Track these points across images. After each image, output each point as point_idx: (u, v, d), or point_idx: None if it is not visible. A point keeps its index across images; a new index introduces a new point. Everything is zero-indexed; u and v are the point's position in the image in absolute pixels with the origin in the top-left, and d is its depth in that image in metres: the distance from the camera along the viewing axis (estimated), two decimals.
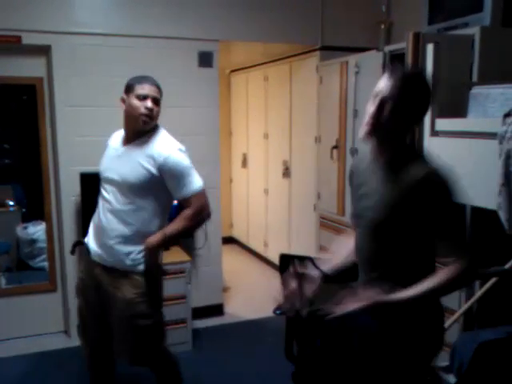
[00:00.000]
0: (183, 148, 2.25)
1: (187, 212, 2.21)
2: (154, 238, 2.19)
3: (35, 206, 4.06)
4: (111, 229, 2.21)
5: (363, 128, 1.60)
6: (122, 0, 3.58)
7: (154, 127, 2.26)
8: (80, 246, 2.38)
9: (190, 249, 3.86)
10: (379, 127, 1.56)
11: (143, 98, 2.18)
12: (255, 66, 5.42)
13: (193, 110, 3.83)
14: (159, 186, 2.19)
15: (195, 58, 3.79)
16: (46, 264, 3.92)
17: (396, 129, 1.57)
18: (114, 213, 2.21)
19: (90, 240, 2.31)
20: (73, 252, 2.41)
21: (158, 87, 2.26)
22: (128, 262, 2.20)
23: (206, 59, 3.82)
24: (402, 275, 1.59)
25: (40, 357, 3.34)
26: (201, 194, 2.24)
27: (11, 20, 3.30)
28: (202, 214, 2.24)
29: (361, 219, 1.70)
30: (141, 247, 2.20)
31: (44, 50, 3.48)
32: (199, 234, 3.92)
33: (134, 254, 2.20)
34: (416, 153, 1.64)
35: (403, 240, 1.57)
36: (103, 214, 2.24)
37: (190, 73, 3.78)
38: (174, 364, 2.45)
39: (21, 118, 4.09)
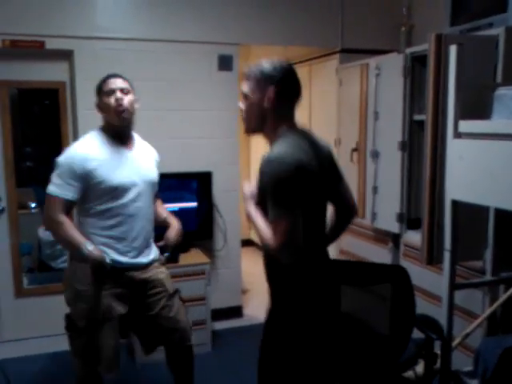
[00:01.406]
0: None
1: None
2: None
3: None
4: (149, 230, 2.41)
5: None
6: (142, 5, 3.62)
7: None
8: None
9: (209, 250, 3.88)
10: (249, 122, 1.77)
11: (111, 92, 2.21)
12: None
13: (212, 113, 3.85)
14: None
15: (215, 61, 3.81)
16: (66, 265, 3.97)
17: (258, 120, 1.74)
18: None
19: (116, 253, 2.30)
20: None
21: (124, 78, 2.30)
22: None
23: (225, 63, 3.83)
24: None
25: (59, 356, 3.37)
26: None
27: (35, 26, 3.37)
28: None
29: None
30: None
31: (67, 55, 3.53)
32: (219, 236, 3.94)
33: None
34: (279, 140, 1.71)
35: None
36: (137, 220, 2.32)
37: (209, 76, 3.80)
38: None
39: (42, 122, 4.16)
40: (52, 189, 2.19)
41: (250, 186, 1.75)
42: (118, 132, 2.27)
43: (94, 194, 2.19)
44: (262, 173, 1.63)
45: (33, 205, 4.16)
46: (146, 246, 2.38)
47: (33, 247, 4.12)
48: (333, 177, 1.90)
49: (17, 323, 3.65)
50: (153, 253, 2.44)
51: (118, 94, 2.20)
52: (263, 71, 1.74)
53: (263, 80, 1.72)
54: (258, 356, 1.83)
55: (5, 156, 3.52)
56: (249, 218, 1.72)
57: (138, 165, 2.31)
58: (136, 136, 2.42)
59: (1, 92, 3.45)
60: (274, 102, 1.73)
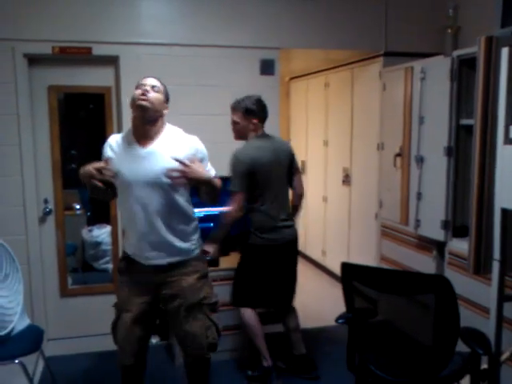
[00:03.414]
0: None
1: (219, 181, 2.49)
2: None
3: (99, 210, 4.21)
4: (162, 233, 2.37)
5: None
6: (186, 11, 3.66)
7: (159, 122, 2.30)
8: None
9: None
10: (238, 135, 3.12)
11: (141, 86, 2.26)
12: (315, 72, 5.39)
13: None
14: None
15: (257, 66, 3.82)
16: (109, 266, 4.06)
17: (244, 134, 3.08)
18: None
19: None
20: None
21: (160, 81, 2.33)
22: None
23: (267, 67, 3.84)
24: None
25: (102, 356, 3.44)
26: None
27: (83, 32, 3.47)
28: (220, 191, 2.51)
29: None
30: None
31: (112, 61, 3.62)
32: None
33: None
34: (246, 144, 3.07)
35: None
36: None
37: (251, 81, 3.80)
38: None
39: (87, 125, 4.27)
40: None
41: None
42: (137, 129, 2.29)
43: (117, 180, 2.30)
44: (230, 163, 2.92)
45: (77, 206, 4.27)
46: (159, 249, 2.31)
47: (77, 248, 4.23)
48: (290, 167, 3.16)
49: (61, 322, 3.75)
50: (175, 256, 2.34)
51: (147, 87, 2.25)
52: (247, 108, 2.98)
53: (247, 114, 2.99)
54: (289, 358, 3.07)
55: (52, 159, 3.63)
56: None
57: (146, 164, 2.25)
58: (170, 132, 2.34)
59: (50, 96, 3.57)
60: (255, 126, 3.02)
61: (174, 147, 2.27)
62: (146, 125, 2.26)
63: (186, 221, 2.36)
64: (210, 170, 2.38)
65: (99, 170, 2.22)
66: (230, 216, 2.94)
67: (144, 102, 2.21)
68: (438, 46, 3.81)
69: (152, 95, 2.24)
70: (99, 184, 2.23)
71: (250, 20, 3.77)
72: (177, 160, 2.17)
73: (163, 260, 2.33)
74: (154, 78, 2.33)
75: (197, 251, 2.43)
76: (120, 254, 3.75)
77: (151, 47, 3.61)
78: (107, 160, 2.29)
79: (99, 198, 2.47)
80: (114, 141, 2.36)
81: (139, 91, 2.24)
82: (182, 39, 3.67)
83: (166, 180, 2.22)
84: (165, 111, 2.33)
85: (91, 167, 2.22)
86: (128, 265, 2.40)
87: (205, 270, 2.45)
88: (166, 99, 2.35)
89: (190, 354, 2.44)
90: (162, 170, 2.21)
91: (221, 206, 2.93)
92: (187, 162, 2.18)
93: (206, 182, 2.28)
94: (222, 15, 3.72)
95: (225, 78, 3.76)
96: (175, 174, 2.17)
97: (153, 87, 2.26)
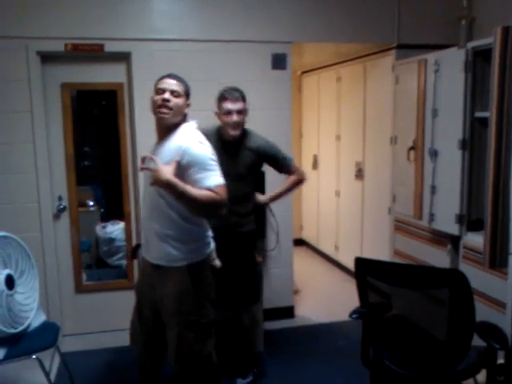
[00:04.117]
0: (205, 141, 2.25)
1: (208, 193, 2.11)
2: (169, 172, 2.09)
3: (113, 207, 4.24)
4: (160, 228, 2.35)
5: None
6: (196, 6, 3.66)
7: (180, 121, 2.27)
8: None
9: (261, 250, 3.87)
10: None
11: (162, 91, 2.24)
12: (327, 66, 5.35)
13: (266, 111, 3.83)
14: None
15: (269, 60, 3.80)
16: (122, 262, 4.08)
17: None
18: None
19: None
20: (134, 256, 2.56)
21: (180, 80, 2.29)
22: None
23: (279, 61, 3.82)
24: None
25: (118, 351, 3.47)
26: (220, 189, 2.15)
27: (95, 29, 3.48)
28: (213, 205, 2.13)
29: None
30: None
31: (124, 57, 3.62)
32: (271, 236, 3.93)
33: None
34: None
35: None
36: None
37: (263, 75, 3.79)
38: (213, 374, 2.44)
39: (100, 122, 4.29)
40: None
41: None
42: (160, 126, 2.31)
43: None
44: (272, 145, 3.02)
45: (91, 203, 4.30)
46: (154, 244, 2.30)
47: (91, 244, 4.26)
48: None
49: (76, 318, 3.79)
50: (163, 255, 2.28)
51: (167, 95, 2.22)
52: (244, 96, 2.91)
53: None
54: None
55: (66, 156, 3.66)
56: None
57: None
58: (182, 129, 2.28)
59: (63, 94, 3.59)
60: None
61: (169, 148, 2.22)
62: (166, 126, 2.28)
63: (188, 231, 2.26)
64: (204, 178, 2.12)
65: (142, 160, 2.22)
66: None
67: (164, 115, 2.21)
68: (451, 37, 3.76)
69: (172, 103, 2.22)
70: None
71: (261, 14, 3.75)
72: (150, 158, 2.14)
73: (154, 256, 2.33)
74: (174, 78, 2.29)
75: (184, 262, 2.26)
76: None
77: (163, 43, 3.61)
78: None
79: None
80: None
81: (159, 99, 2.21)
82: (194, 34, 3.66)
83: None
84: (186, 110, 2.30)
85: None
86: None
87: (188, 286, 2.27)
88: (187, 96, 2.31)
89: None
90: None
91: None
92: (157, 162, 2.08)
93: (167, 186, 2.06)
94: (233, 10, 3.70)
95: (236, 72, 3.75)
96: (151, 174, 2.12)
97: (173, 93, 2.23)
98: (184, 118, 2.31)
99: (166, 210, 2.21)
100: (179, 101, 2.25)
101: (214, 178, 2.13)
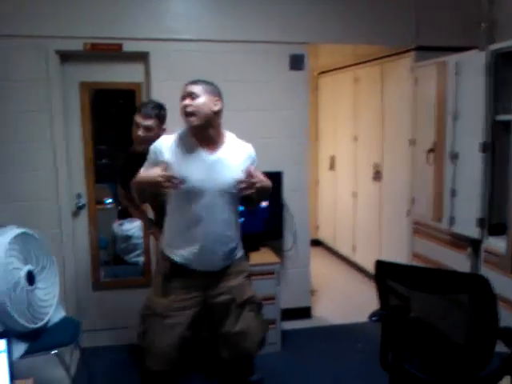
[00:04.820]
0: None
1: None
2: None
3: None
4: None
5: None
6: (213, 7, 3.66)
7: (218, 126, 2.27)
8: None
9: (278, 250, 3.87)
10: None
11: (182, 98, 2.24)
12: (344, 67, 5.33)
13: (283, 112, 3.83)
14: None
15: (286, 61, 3.79)
16: (139, 259, 4.11)
17: None
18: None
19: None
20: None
21: (200, 81, 2.26)
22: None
23: (297, 62, 3.80)
24: None
25: (134, 348, 3.48)
26: None
27: (113, 29, 3.50)
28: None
29: None
30: None
31: (142, 57, 3.64)
32: (288, 236, 3.92)
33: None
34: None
35: None
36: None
37: (281, 76, 3.79)
38: None
39: (117, 121, 4.31)
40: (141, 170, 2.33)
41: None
42: (194, 133, 2.25)
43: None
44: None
45: (108, 200, 4.32)
46: (218, 254, 2.32)
47: (108, 241, 4.29)
48: None
49: (94, 314, 3.81)
50: (227, 260, 2.38)
51: (186, 101, 2.21)
52: None
53: None
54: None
55: (85, 154, 3.68)
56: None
57: (215, 171, 2.22)
58: (230, 138, 2.33)
59: (82, 93, 3.61)
60: None
61: (237, 157, 2.29)
62: (202, 130, 2.24)
63: (237, 226, 2.38)
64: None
65: (168, 179, 2.14)
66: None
67: (189, 118, 2.20)
68: (471, 39, 3.71)
69: (191, 107, 2.19)
70: (169, 191, 2.21)
71: (278, 15, 3.74)
72: (246, 172, 2.22)
73: (219, 264, 2.32)
74: (193, 83, 2.25)
75: (241, 251, 2.42)
76: (152, 249, 3.82)
77: (181, 43, 3.62)
78: (164, 165, 2.18)
79: (144, 202, 2.50)
80: (169, 143, 2.25)
81: (181, 106, 2.22)
82: (211, 35, 3.66)
83: (233, 190, 2.23)
84: (215, 108, 2.24)
85: (157, 175, 2.15)
86: (175, 271, 2.30)
87: (249, 270, 2.46)
88: (210, 94, 2.24)
89: (239, 352, 2.38)
90: (232, 180, 2.21)
91: None
92: (254, 173, 2.21)
93: (269, 189, 2.31)
94: (251, 10, 3.70)
95: (253, 73, 3.75)
96: (243, 186, 2.20)
97: (191, 96, 2.20)
98: (218, 120, 2.27)
99: (234, 213, 2.33)
100: (199, 101, 2.20)
101: None
